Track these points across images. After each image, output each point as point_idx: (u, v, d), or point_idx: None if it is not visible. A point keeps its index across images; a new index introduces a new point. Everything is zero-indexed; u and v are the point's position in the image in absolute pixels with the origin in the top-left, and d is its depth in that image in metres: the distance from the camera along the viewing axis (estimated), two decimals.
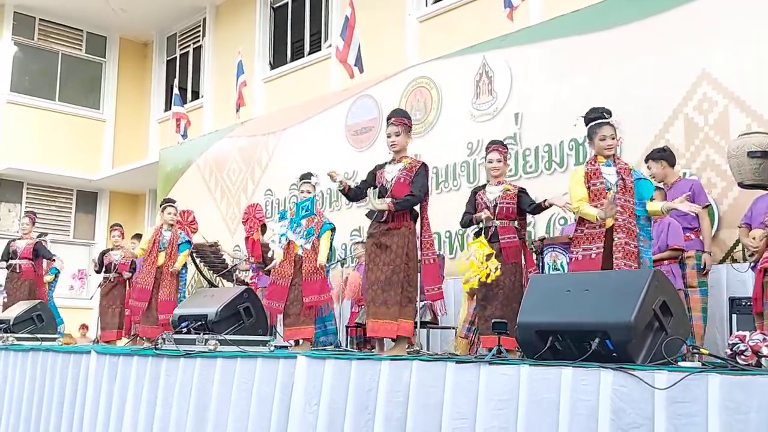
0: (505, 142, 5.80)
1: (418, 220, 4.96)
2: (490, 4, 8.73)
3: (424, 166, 4.98)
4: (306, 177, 6.12)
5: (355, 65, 8.53)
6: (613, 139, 4.37)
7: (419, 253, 4.88)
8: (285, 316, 5.80)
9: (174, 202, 7.71)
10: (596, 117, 4.41)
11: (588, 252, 4.28)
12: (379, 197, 4.89)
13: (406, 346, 4.80)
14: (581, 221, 4.39)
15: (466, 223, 5.33)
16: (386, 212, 4.81)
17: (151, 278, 7.28)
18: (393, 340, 4.86)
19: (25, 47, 14.56)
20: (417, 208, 4.95)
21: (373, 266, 4.84)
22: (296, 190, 6.53)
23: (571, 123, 6.73)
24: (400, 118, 4.99)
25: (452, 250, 7.58)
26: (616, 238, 4.19)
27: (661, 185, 5.39)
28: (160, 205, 7.79)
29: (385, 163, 5.04)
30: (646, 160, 5.56)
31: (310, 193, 5.99)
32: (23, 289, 8.73)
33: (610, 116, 4.40)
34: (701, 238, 5.35)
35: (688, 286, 5.24)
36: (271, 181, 10.11)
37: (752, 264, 4.74)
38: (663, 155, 5.51)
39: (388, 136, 4.99)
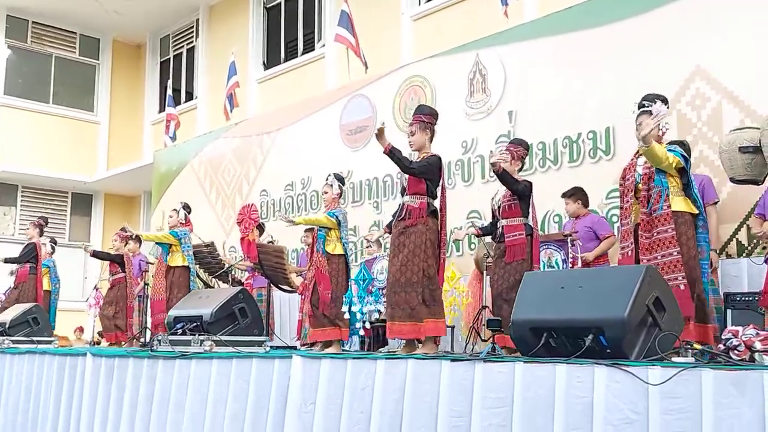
0: (526, 142, 5.52)
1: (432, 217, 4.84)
2: (483, 2, 8.73)
3: (436, 156, 4.89)
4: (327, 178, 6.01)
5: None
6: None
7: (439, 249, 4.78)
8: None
9: (182, 205, 7.64)
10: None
11: (625, 250, 4.20)
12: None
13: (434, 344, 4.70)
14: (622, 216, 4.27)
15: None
16: (405, 210, 4.75)
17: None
18: (419, 340, 4.71)
19: (18, 50, 14.50)
20: (437, 203, 4.86)
21: (390, 266, 4.77)
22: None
23: (564, 120, 6.82)
24: (417, 116, 4.95)
25: (447, 248, 7.55)
26: (642, 239, 4.08)
27: None
28: None
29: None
30: None
31: (326, 193, 5.95)
32: (15, 293, 8.77)
33: (642, 105, 4.24)
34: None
35: None
36: (266, 182, 10.09)
37: (766, 257, 4.67)
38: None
39: (407, 137, 4.99)
